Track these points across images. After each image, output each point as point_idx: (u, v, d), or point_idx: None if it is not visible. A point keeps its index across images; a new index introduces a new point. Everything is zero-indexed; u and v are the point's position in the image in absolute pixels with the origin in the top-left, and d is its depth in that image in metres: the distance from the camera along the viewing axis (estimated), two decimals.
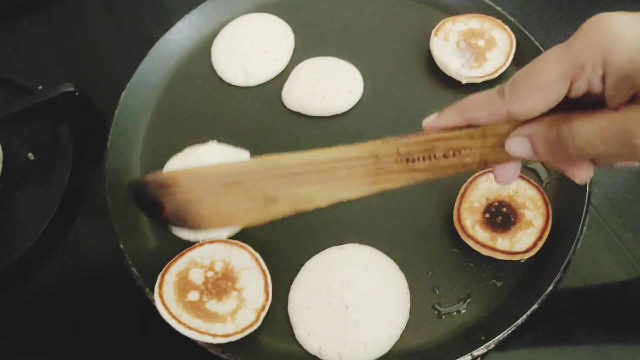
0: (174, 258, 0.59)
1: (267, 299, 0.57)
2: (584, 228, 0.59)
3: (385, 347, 0.56)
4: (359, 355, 0.55)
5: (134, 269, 0.58)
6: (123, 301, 0.63)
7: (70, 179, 0.69)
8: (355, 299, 0.57)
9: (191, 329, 0.54)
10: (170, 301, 0.56)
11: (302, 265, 0.60)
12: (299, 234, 0.62)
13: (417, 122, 0.68)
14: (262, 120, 0.71)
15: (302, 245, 0.61)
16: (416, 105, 0.70)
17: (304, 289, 0.58)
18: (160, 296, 0.56)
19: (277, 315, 0.58)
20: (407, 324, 0.57)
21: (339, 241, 0.61)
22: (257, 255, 0.59)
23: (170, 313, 0.54)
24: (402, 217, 0.63)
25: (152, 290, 0.57)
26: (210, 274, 0.58)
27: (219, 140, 0.68)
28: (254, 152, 0.68)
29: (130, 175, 0.67)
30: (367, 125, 0.69)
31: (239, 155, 0.68)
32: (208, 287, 0.57)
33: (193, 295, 0.56)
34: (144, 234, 0.63)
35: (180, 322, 0.54)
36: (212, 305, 0.56)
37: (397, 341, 0.56)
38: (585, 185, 0.61)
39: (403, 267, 0.60)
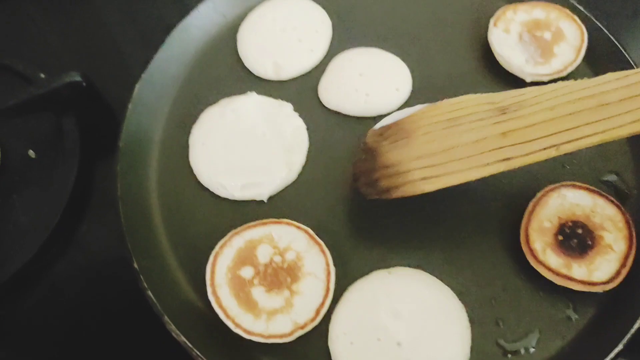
0: (255, 223, 0.53)
1: (313, 320, 0.50)
2: None
3: None
4: None
5: (149, 293, 0.50)
6: (134, 314, 0.56)
7: (77, 179, 0.62)
8: (408, 333, 0.49)
9: (220, 306, 0.50)
10: (222, 267, 0.51)
11: (344, 290, 0.52)
12: (340, 256, 0.53)
13: None
14: None
15: (344, 268, 0.53)
16: None
17: (348, 320, 0.50)
18: (217, 256, 0.52)
19: (315, 348, 0.50)
20: None
21: (386, 264, 0.53)
22: (332, 269, 0.52)
23: (213, 279, 0.50)
24: (459, 238, 0.55)
25: (171, 319, 0.49)
26: (277, 258, 0.52)
27: None
28: None
29: (146, 180, 0.58)
30: None
31: (280, 108, 0.61)
32: (267, 271, 0.51)
33: (247, 272, 0.51)
34: (161, 249, 0.55)
35: (215, 292, 0.50)
36: (258, 292, 0.51)
37: None
38: None
39: (461, 296, 0.51)
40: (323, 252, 0.52)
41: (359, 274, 0.53)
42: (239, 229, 0.53)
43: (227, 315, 0.49)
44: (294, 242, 0.52)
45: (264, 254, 0.52)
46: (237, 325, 0.49)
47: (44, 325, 0.58)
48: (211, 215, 0.56)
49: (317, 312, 0.50)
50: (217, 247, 0.52)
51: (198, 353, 0.48)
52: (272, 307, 0.50)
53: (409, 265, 0.53)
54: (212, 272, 0.51)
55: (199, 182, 0.58)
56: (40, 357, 0.57)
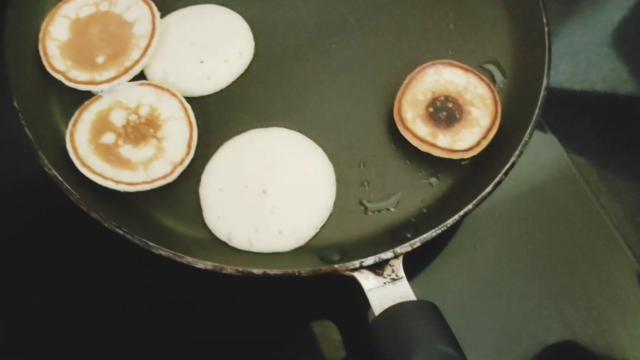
0: (97, 96, 0.54)
1: (188, 154, 0.52)
2: (532, 133, 0.54)
3: (302, 238, 0.51)
4: (272, 243, 0.50)
5: (26, 130, 0.51)
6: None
7: None
8: (275, 184, 0.52)
9: (95, 173, 0.50)
10: (81, 140, 0.52)
11: (219, 145, 0.54)
12: (219, 114, 0.56)
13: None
14: None
15: (222, 125, 0.55)
16: None
17: (219, 170, 0.52)
18: (72, 134, 0.52)
19: (187, 198, 0.52)
20: (329, 217, 0.52)
21: (265, 124, 0.55)
22: (187, 105, 0.54)
23: (77, 154, 0.51)
24: (338, 105, 0.57)
25: (45, 155, 0.50)
26: (133, 117, 0.53)
27: None
28: None
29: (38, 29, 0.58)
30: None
31: None
32: (127, 130, 0.53)
33: (108, 138, 0.52)
34: (46, 96, 0.55)
35: (84, 164, 0.51)
36: (126, 150, 0.52)
37: (317, 234, 0.51)
38: (540, 88, 0.56)
39: (332, 158, 0.54)
40: (173, 94, 0.54)
41: (237, 131, 0.55)
42: (84, 104, 0.53)
43: (106, 178, 0.51)
44: (142, 97, 0.54)
45: (118, 118, 0.53)
46: (118, 182, 0.51)
47: None
48: None
49: (189, 145, 0.52)
50: (69, 126, 0.52)
51: (69, 186, 0.49)
52: (145, 158, 0.52)
53: (286, 127, 0.55)
54: (74, 148, 0.51)
55: None
56: None
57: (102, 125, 0.52)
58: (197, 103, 0.55)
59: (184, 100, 0.54)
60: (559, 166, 0.62)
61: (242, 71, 0.58)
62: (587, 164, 0.63)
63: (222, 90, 0.57)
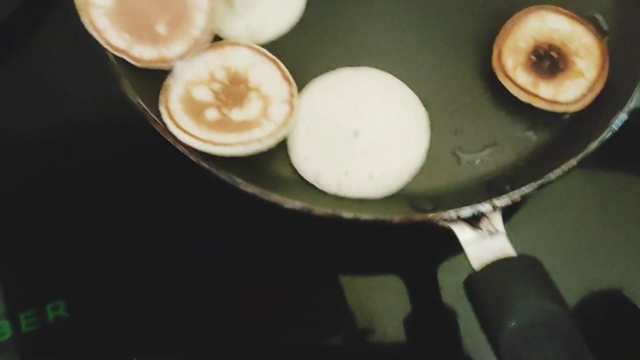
0: (161, 88, 0.48)
1: (291, 84, 0.49)
2: None
3: (393, 184, 0.48)
4: (362, 188, 0.47)
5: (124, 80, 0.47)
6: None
7: None
8: (367, 126, 0.49)
9: (231, 144, 0.46)
10: (191, 127, 0.46)
11: (306, 83, 0.51)
12: (304, 51, 0.53)
13: None
14: None
15: (307, 63, 0.52)
16: None
17: (307, 108, 0.49)
18: (178, 126, 0.46)
19: None
20: (421, 166, 0.49)
21: (354, 63, 0.52)
22: (257, 46, 0.50)
23: (199, 138, 0.45)
24: (433, 49, 0.54)
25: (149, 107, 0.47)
26: (215, 86, 0.49)
27: None
28: None
29: None
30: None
31: None
32: (222, 99, 0.48)
33: (211, 114, 0.48)
34: None
35: (216, 143, 0.46)
36: (237, 114, 0.48)
37: (408, 182, 0.49)
38: None
39: (425, 103, 0.51)
40: (235, 44, 0.50)
41: (323, 69, 0.51)
42: (162, 100, 0.47)
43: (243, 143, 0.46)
44: (208, 64, 0.49)
45: (204, 94, 0.48)
46: (258, 140, 0.47)
47: None
48: None
49: (286, 78, 0.49)
50: (168, 123, 0.46)
51: (154, 116, 0.47)
52: (259, 110, 0.48)
53: (377, 68, 0.52)
54: (193, 135, 0.46)
55: None
56: None
57: (196, 107, 0.47)
58: (274, 44, 0.52)
59: (250, 44, 0.50)
60: None
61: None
62: None
63: (307, 26, 0.54)
